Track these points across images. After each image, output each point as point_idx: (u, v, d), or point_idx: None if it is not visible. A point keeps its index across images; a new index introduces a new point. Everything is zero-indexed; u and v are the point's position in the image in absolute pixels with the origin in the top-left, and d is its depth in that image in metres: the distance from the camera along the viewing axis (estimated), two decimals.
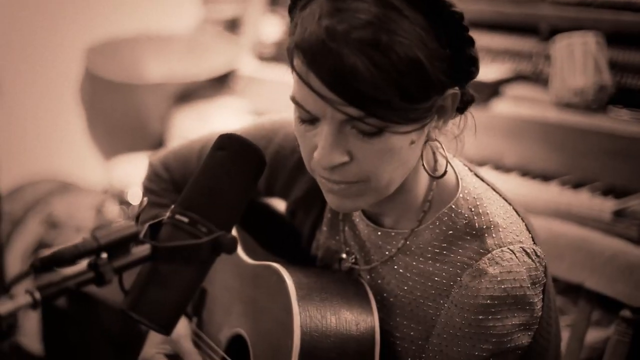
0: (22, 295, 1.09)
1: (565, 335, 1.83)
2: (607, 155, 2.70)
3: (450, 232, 1.49)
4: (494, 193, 1.53)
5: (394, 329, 1.53)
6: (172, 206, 1.27)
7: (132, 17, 4.22)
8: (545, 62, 3.02)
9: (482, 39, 3.16)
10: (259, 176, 1.32)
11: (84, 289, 3.07)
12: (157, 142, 3.65)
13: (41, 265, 1.11)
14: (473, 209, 1.48)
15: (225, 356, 1.67)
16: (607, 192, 2.61)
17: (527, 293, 1.43)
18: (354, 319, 1.49)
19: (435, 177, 1.50)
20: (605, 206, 2.54)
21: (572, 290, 2.09)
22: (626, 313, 1.88)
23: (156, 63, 3.88)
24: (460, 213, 1.49)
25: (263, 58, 3.76)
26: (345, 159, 1.37)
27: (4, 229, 3.54)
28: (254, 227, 1.77)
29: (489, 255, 1.44)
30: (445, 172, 1.49)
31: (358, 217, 1.60)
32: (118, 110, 3.80)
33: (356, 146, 1.37)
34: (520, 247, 1.45)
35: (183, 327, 1.73)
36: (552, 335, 1.51)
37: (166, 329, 1.25)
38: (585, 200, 2.59)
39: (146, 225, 1.25)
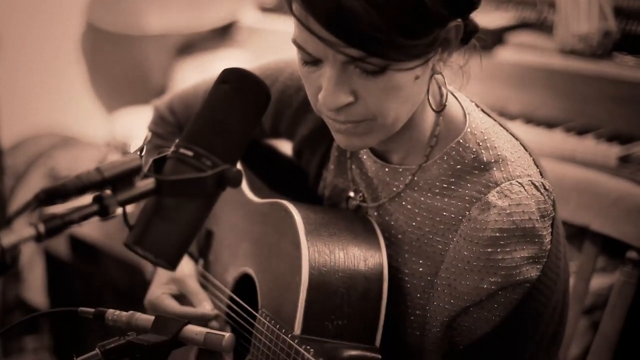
0: (26, 227, 1.08)
1: (570, 282, 1.82)
2: (611, 101, 2.68)
3: (459, 166, 1.48)
4: (501, 128, 1.52)
5: (402, 266, 1.53)
6: (177, 140, 1.25)
7: None
8: (549, 9, 2.99)
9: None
10: (264, 110, 1.30)
11: (88, 240, 3.06)
12: (159, 95, 3.60)
13: (45, 196, 1.09)
14: (481, 143, 1.47)
15: (233, 295, 1.67)
16: (612, 138, 2.60)
17: (536, 226, 1.42)
18: (362, 255, 1.49)
19: (439, 111, 1.48)
20: (611, 152, 2.53)
21: (576, 237, 2.08)
22: (632, 254, 1.87)
23: (157, 14, 3.85)
24: (468, 147, 1.48)
25: (265, 9, 3.72)
26: (350, 99, 1.37)
27: (7, 183, 3.54)
28: (261, 169, 1.77)
29: (498, 188, 1.43)
30: (445, 104, 1.48)
31: (365, 155, 1.59)
32: (120, 63, 3.79)
33: (360, 85, 1.36)
34: (529, 180, 1.45)
35: (188, 267, 1.73)
36: (560, 270, 1.50)
37: (172, 263, 1.24)
38: (590, 147, 2.58)
39: (150, 160, 1.23)
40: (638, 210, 1.88)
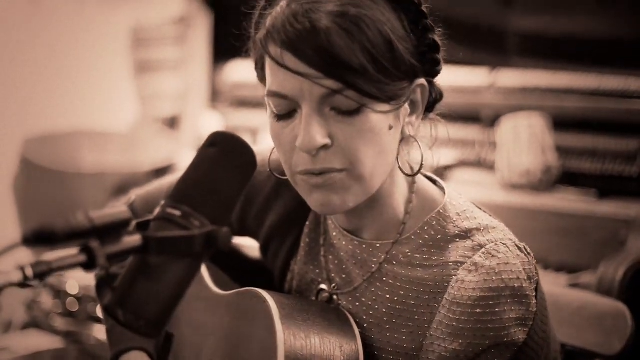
0: (12, 271, 1.03)
1: None
2: (556, 233, 2.72)
3: (439, 236, 1.47)
4: (475, 206, 1.53)
5: (386, 345, 1.48)
6: (162, 202, 1.21)
7: (70, 115, 4.17)
8: (489, 148, 3.06)
9: (423, 129, 3.20)
10: (251, 174, 1.28)
11: None
12: None
13: (33, 238, 1.04)
14: (460, 214, 1.48)
15: None
16: (559, 268, 2.62)
17: (524, 285, 1.41)
18: (337, 342, 1.44)
19: (412, 175, 1.48)
20: (559, 281, 2.55)
21: None
22: None
23: (93, 155, 3.83)
24: (449, 217, 1.47)
25: None
26: (327, 140, 1.37)
27: None
28: (225, 269, 1.72)
29: (483, 249, 1.42)
30: (422, 165, 1.47)
31: (340, 236, 1.55)
32: (53, 201, 3.72)
33: (337, 128, 1.37)
34: (512, 242, 1.45)
35: None
36: (547, 336, 1.48)
37: (155, 327, 1.17)
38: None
39: (134, 223, 1.19)
40: (600, 317, 1.88)
